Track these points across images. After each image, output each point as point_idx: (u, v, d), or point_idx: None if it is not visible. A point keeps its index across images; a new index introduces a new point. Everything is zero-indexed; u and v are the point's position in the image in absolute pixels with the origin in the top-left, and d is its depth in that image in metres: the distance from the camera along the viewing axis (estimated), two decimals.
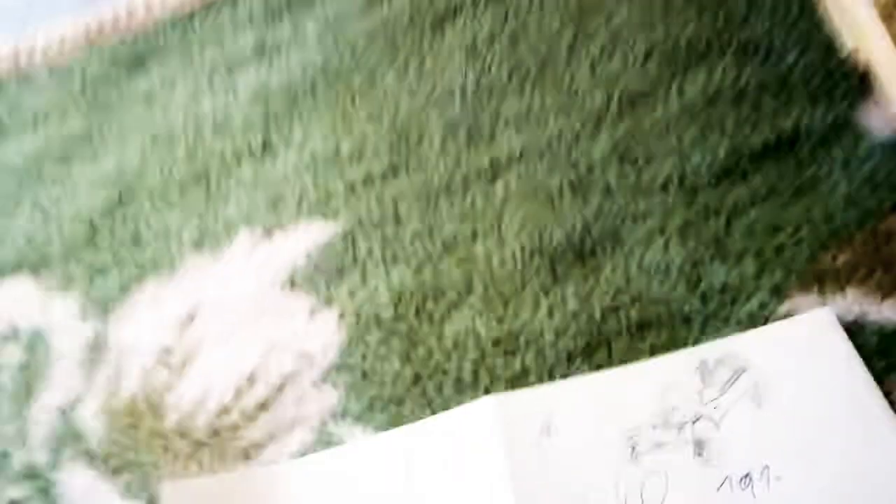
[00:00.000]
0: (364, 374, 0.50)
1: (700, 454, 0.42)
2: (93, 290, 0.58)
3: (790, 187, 0.50)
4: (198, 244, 0.58)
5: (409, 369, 0.49)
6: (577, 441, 0.44)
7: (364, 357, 0.51)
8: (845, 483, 0.39)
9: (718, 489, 0.41)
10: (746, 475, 0.41)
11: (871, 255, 0.46)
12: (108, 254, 0.59)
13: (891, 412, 0.41)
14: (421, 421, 0.47)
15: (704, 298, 0.48)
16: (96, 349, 0.56)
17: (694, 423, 0.43)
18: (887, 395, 0.42)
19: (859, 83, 0.52)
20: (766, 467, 0.41)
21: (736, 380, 0.43)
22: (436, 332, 0.51)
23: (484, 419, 0.46)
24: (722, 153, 0.52)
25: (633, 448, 0.43)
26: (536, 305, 0.50)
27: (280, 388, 0.51)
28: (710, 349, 0.45)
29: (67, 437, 0.52)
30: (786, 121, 0.52)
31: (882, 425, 0.41)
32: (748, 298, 0.47)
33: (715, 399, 0.43)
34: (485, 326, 0.50)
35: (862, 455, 0.40)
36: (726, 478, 0.41)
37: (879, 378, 0.43)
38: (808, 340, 0.44)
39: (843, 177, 0.49)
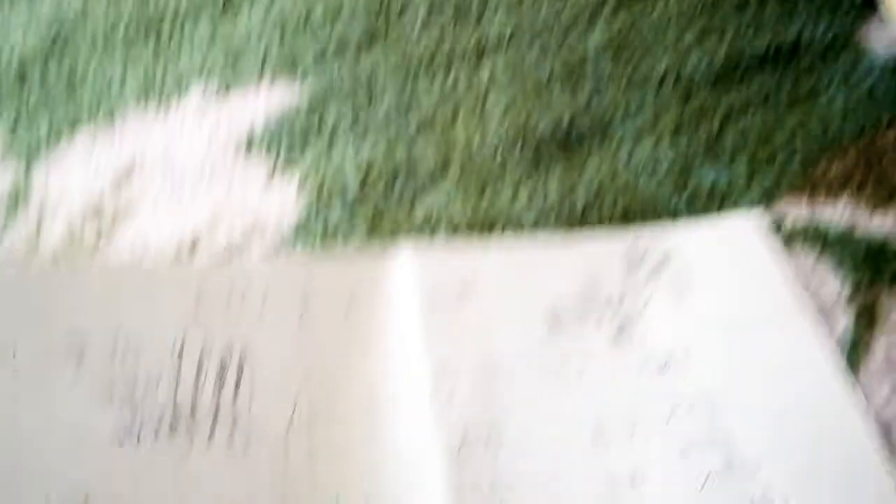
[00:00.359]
0: (321, 250, 0.46)
1: (620, 336, 0.42)
2: (16, 136, 0.51)
3: (787, 96, 0.49)
4: (142, 96, 0.52)
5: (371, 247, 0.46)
6: (496, 307, 0.43)
7: (324, 231, 0.47)
8: (757, 377, 0.40)
9: (635, 373, 0.40)
10: (664, 362, 0.41)
11: (863, 169, 0.46)
12: (38, 99, 0.53)
13: (808, 318, 0.41)
14: (325, 257, 0.45)
15: (692, 199, 0.46)
16: (14, 198, 0.49)
17: (617, 304, 0.42)
18: (872, 302, 0.42)
19: (863, 1, 0.52)
20: (684, 356, 0.41)
21: (663, 268, 0.43)
22: (405, 210, 0.47)
23: (397, 267, 0.44)
24: (721, 56, 0.50)
25: (554, 323, 0.42)
26: (515, 193, 0.47)
27: (225, 258, 0.46)
28: (641, 234, 0.45)
29: None
30: (788, 31, 0.51)
31: (801, 326, 0.41)
32: (736, 202, 0.46)
33: (640, 284, 0.43)
34: (459, 209, 0.47)
35: (777, 354, 0.40)
36: (644, 362, 0.41)
37: (866, 286, 0.42)
38: (738, 240, 0.44)
39: (841, 91, 0.48)
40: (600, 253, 0.44)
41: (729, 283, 0.43)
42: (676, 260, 0.44)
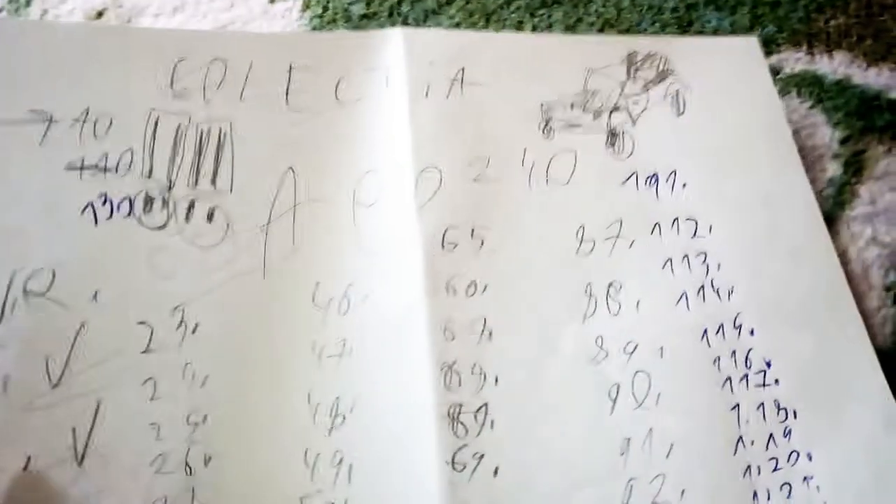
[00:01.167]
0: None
1: (612, 144, 0.41)
2: None
3: None
4: None
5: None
6: (488, 97, 0.41)
7: None
8: (740, 204, 0.40)
9: (624, 182, 0.40)
10: (653, 175, 0.40)
11: (863, 23, 0.46)
12: None
13: (793, 152, 0.41)
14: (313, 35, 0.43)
15: None
16: (16, 1, 0.49)
17: (611, 112, 0.41)
18: (862, 151, 0.43)
19: None
20: (674, 172, 0.40)
21: (660, 80, 0.42)
22: None
23: (387, 49, 0.41)
24: None
25: (547, 122, 0.41)
26: (520, 25, 0.47)
27: None
28: (640, 42, 0.43)
29: None
30: None
31: (787, 160, 0.41)
32: None
33: (636, 94, 0.42)
34: None
35: (761, 184, 0.41)
36: (633, 173, 0.40)
37: (857, 135, 0.43)
38: (736, 63, 0.43)
39: None
40: (599, 53, 0.42)
41: (724, 107, 0.42)
42: (676, 74, 0.43)
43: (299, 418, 0.35)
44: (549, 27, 0.47)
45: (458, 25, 0.47)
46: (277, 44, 0.41)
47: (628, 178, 0.40)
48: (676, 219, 0.39)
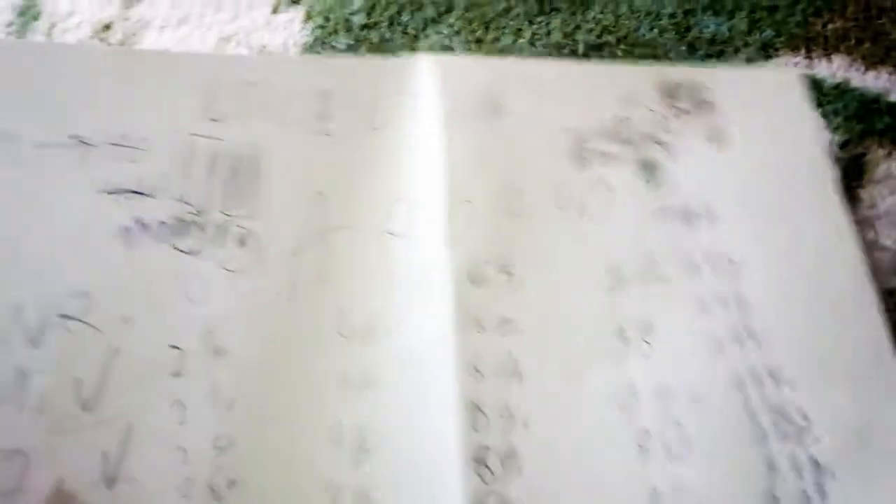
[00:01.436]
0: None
1: (648, 178, 0.40)
2: None
3: None
4: None
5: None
6: (521, 128, 0.40)
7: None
8: (781, 246, 0.39)
9: (660, 218, 0.39)
10: (691, 212, 0.39)
11: (861, 26, 0.46)
12: None
13: (836, 192, 0.40)
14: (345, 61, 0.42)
15: (693, 47, 0.47)
16: (24, 14, 0.50)
17: (647, 143, 0.40)
18: (862, 155, 0.43)
19: None
20: (713, 209, 0.39)
21: (699, 112, 0.41)
22: (409, 44, 0.48)
23: (421, 75, 0.41)
24: None
25: (581, 152, 0.40)
26: (519, 33, 0.48)
27: None
28: (676, 72, 0.42)
29: None
30: None
31: (831, 203, 0.40)
32: (736, 52, 0.46)
33: (673, 126, 0.41)
34: (462, 46, 0.47)
35: (807, 226, 0.40)
36: (670, 208, 0.39)
37: (856, 139, 0.43)
38: (778, 98, 0.43)
39: None
40: (633, 81, 0.41)
41: (766, 143, 0.41)
42: (714, 106, 0.41)
43: (322, 449, 0.34)
44: (548, 34, 0.47)
45: (457, 34, 0.48)
46: (313, 68, 0.42)
47: (664, 214, 0.39)
48: (715, 259, 0.38)
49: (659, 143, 0.41)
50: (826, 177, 0.41)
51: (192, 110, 0.39)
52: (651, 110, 0.41)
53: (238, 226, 0.37)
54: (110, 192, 0.38)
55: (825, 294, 0.38)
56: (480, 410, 0.34)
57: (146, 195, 0.38)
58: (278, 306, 0.36)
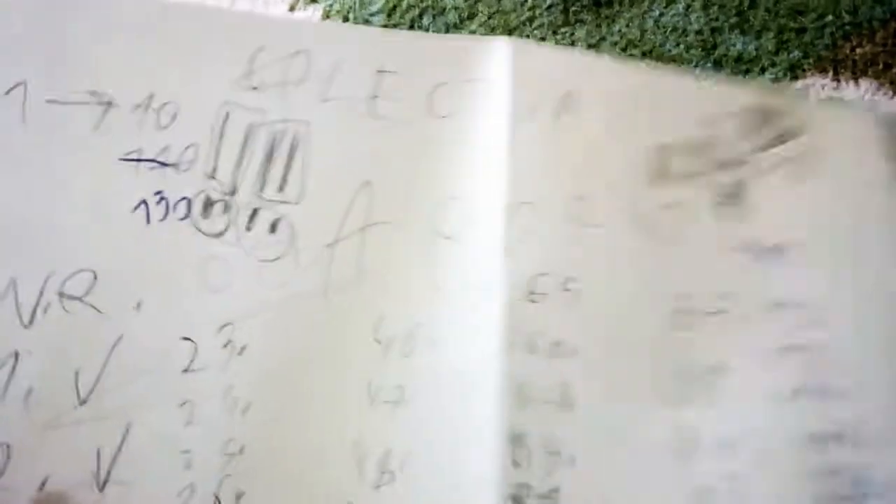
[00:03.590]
0: None
1: (729, 204, 0.37)
2: None
3: None
4: None
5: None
6: (597, 131, 0.36)
7: None
8: (870, 295, 0.36)
9: (738, 250, 0.36)
10: (772, 247, 0.36)
11: (889, 51, 0.46)
12: None
13: None
14: (408, 35, 0.38)
15: (719, 65, 0.46)
16: None
17: (731, 168, 0.37)
18: None
19: None
20: (795, 247, 0.36)
21: (787, 140, 0.38)
22: None
23: (491, 60, 0.36)
24: None
25: (660, 168, 0.36)
26: (542, 42, 0.47)
27: None
28: (765, 95, 0.39)
29: None
30: None
31: None
32: (762, 71, 0.45)
33: (759, 152, 0.38)
34: None
35: (891, 274, 0.37)
36: (750, 241, 0.36)
37: None
38: (870, 136, 0.40)
39: None
40: (719, 99, 0.38)
41: (855, 182, 0.38)
42: (803, 136, 0.38)
43: (344, 466, 0.31)
44: (572, 45, 0.46)
45: None
46: (369, 41, 0.38)
47: (743, 247, 0.36)
48: (794, 301, 0.35)
49: (743, 167, 0.37)
50: None
51: (230, 75, 0.35)
52: (737, 132, 0.38)
53: (270, 210, 0.34)
54: (129, 161, 0.33)
55: None
56: (524, 443, 0.31)
57: (170, 166, 0.34)
58: (309, 303, 0.33)
